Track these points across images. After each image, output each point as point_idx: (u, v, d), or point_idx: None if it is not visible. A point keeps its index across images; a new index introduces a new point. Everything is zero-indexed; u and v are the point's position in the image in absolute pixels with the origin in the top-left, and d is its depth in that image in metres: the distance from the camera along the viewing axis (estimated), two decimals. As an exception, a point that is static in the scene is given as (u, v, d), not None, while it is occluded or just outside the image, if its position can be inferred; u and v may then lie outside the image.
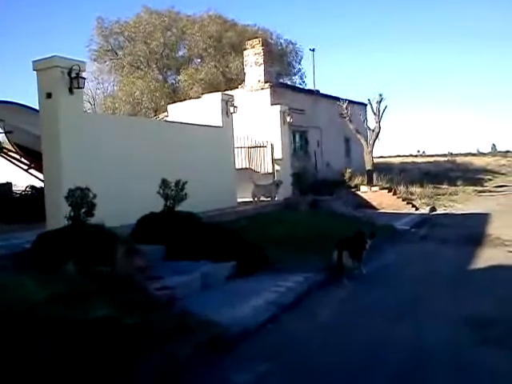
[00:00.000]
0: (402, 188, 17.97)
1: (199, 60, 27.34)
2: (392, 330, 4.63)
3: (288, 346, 4.32)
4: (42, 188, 8.36)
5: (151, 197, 7.32)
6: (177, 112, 16.61)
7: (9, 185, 10.99)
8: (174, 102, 20.57)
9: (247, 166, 14.45)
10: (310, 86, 24.12)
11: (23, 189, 10.44)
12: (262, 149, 14.63)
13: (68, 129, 7.28)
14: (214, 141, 11.15)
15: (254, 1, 66.93)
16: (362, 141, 17.97)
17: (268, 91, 16.79)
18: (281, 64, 25.67)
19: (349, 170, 18.59)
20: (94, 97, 30.16)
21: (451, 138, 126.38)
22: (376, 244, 7.31)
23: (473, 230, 10.91)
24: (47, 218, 7.13)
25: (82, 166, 7.25)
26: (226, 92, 13.59)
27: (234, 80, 23.91)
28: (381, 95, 17.51)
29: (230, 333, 4.34)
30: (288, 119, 14.54)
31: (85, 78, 7.49)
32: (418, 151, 69.13)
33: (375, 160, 19.70)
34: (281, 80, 23.70)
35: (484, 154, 61.71)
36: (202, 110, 11.99)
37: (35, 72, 7.35)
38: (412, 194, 17.80)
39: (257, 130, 14.36)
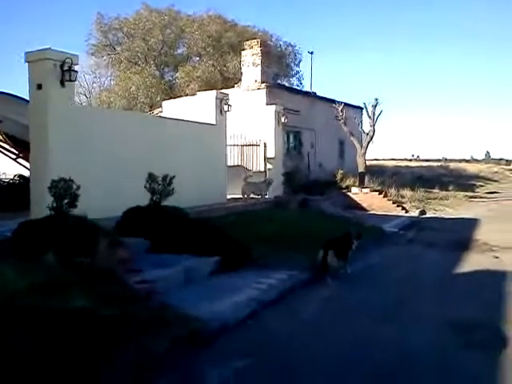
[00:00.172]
0: (393, 191, 17.98)
1: (197, 58, 27.24)
2: (377, 330, 4.60)
3: (268, 343, 4.27)
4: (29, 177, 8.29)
5: (140, 191, 7.32)
6: (171, 108, 16.56)
7: (-4, 173, 10.97)
8: (170, 98, 20.50)
9: (239, 164, 14.45)
10: (307, 88, 24.15)
11: (11, 177, 10.37)
12: (255, 147, 14.68)
13: (57, 120, 7.26)
14: (207, 138, 11.16)
15: (253, 2, 66.99)
16: (356, 143, 18.00)
17: (264, 91, 16.76)
18: (279, 65, 25.62)
19: (341, 171, 18.63)
20: (90, 90, 30.25)
21: (446, 143, 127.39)
22: (363, 245, 7.28)
23: (461, 234, 10.93)
24: (31, 207, 7.10)
25: (71, 158, 7.24)
26: (222, 91, 13.56)
27: (231, 79, 23.83)
28: (376, 99, 17.60)
29: (209, 328, 4.29)
30: (283, 119, 14.62)
31: (77, 72, 7.50)
32: (413, 155, 69.68)
33: (369, 163, 19.75)
34: (278, 81, 23.67)
35: (478, 161, 62.31)
36: (196, 107, 11.99)
37: (27, 64, 7.31)
38: (403, 196, 17.80)
39: (251, 128, 14.40)
